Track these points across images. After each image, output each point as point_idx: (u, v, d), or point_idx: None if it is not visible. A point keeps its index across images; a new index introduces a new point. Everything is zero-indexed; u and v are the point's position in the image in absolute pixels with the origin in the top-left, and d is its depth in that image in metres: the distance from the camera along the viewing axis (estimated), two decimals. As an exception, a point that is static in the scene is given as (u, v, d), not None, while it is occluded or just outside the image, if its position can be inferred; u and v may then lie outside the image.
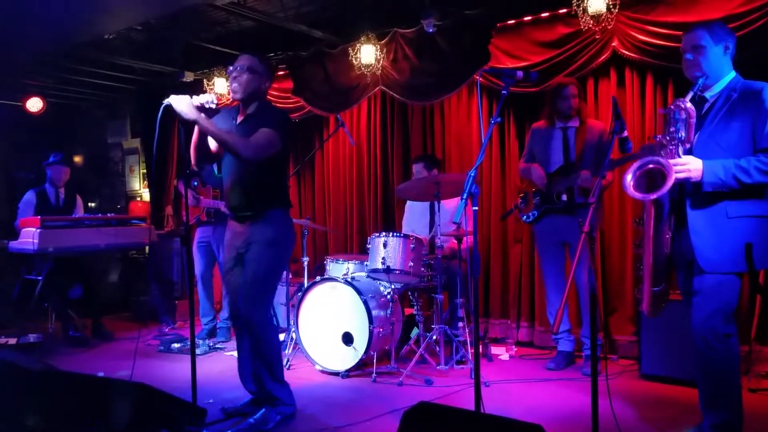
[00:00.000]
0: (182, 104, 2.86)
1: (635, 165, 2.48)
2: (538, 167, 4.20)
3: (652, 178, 2.44)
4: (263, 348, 3.15)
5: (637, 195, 2.45)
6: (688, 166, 2.43)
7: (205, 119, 2.92)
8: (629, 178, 2.46)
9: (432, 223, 4.26)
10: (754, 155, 2.45)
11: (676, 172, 2.40)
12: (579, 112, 4.17)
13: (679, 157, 2.48)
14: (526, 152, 4.43)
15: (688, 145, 2.53)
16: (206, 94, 3.04)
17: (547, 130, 4.24)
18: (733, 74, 2.60)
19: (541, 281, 4.82)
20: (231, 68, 3.21)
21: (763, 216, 2.49)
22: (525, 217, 4.36)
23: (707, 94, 2.60)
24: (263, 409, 3.16)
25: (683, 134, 2.51)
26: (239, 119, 3.25)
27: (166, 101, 2.87)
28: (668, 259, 2.59)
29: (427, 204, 4.89)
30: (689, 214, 2.54)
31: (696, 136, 2.58)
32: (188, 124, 2.91)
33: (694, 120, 2.52)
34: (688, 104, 2.51)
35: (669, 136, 2.53)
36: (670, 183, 2.36)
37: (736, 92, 2.53)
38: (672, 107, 2.53)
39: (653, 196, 2.41)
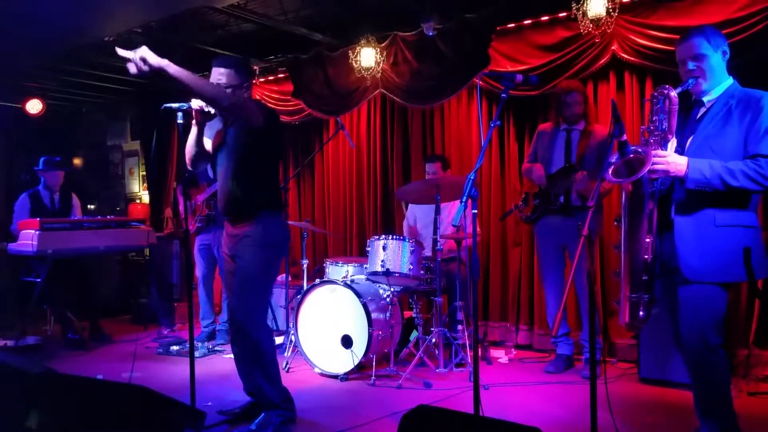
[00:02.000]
0: (148, 54, 2.61)
1: (616, 154, 2.45)
2: (539, 167, 4.20)
3: (632, 169, 2.39)
4: (259, 353, 3.12)
5: (613, 179, 2.42)
6: (668, 159, 2.39)
7: (177, 67, 2.68)
8: (610, 164, 2.43)
9: (436, 225, 4.27)
10: (743, 160, 2.42)
11: (653, 163, 2.36)
12: (586, 117, 4.18)
13: (662, 149, 2.46)
14: (530, 153, 4.43)
15: (671, 137, 2.50)
16: None
17: (552, 131, 4.25)
18: (731, 80, 2.58)
19: (540, 284, 4.83)
20: None
21: (751, 226, 2.46)
22: (524, 217, 4.37)
23: (705, 99, 2.59)
24: (263, 414, 3.14)
25: (666, 125, 2.48)
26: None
27: (131, 55, 2.58)
28: (648, 266, 2.49)
29: (432, 205, 4.89)
30: (675, 219, 2.51)
31: (690, 139, 2.56)
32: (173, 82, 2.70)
33: (676, 108, 2.47)
34: (673, 93, 2.47)
35: (652, 126, 2.50)
36: (645, 168, 2.31)
37: (735, 99, 2.51)
38: (655, 94, 2.50)
39: (628, 180, 2.37)
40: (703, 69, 2.53)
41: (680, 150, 2.57)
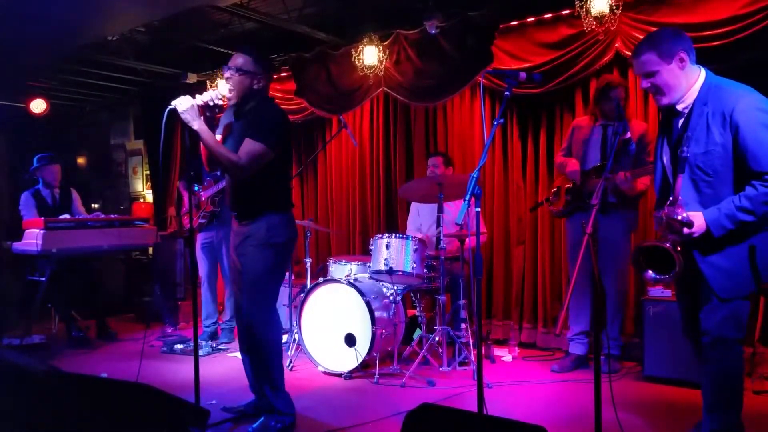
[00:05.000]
0: (185, 109, 2.89)
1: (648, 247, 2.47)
2: (574, 162, 4.13)
3: (664, 258, 2.44)
4: (263, 352, 3.12)
5: (652, 277, 2.50)
6: (693, 234, 2.37)
7: (206, 130, 2.92)
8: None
9: (439, 223, 4.26)
10: (749, 184, 2.35)
11: (685, 233, 2.38)
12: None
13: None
14: (564, 146, 4.34)
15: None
16: (211, 91, 3.05)
17: (588, 127, 4.16)
18: (701, 79, 2.48)
19: (543, 282, 4.83)
20: (225, 67, 3.14)
21: (762, 230, 2.43)
22: (555, 212, 4.32)
23: (679, 107, 2.51)
24: (262, 418, 3.13)
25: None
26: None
27: (171, 104, 2.88)
28: None
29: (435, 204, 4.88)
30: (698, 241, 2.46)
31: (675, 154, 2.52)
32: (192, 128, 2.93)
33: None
34: (684, 215, 2.36)
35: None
36: (678, 267, 2.40)
37: (709, 106, 2.42)
38: (679, 218, 2.39)
39: (667, 279, 2.46)
40: (658, 84, 2.47)
41: (666, 159, 2.55)
